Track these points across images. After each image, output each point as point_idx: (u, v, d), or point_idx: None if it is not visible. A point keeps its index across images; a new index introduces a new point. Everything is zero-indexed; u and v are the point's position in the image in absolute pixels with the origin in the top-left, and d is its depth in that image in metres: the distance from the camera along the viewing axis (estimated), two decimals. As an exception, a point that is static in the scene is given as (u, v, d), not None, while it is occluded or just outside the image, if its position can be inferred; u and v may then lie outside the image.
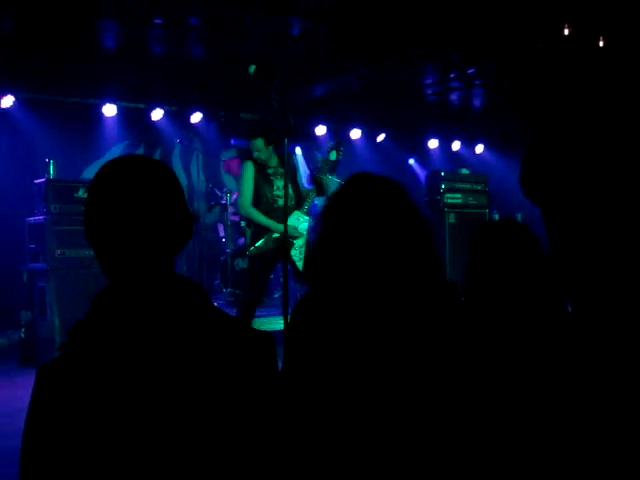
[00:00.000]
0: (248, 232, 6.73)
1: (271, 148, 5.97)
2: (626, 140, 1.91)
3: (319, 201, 6.25)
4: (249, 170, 6.03)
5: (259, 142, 5.95)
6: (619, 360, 1.82)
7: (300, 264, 5.88)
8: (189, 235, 1.65)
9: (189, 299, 1.56)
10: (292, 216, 5.96)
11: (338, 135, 9.90)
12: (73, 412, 1.46)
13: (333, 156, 6.34)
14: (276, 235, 5.82)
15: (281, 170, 5.85)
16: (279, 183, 5.99)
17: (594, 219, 1.90)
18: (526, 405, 2.06)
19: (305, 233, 6.07)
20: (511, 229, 2.44)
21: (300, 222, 6.04)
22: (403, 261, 1.97)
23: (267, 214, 5.93)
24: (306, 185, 6.40)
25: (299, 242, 5.94)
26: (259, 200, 5.99)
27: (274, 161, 6.01)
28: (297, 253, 5.93)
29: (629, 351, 1.80)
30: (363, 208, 2.00)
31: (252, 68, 4.98)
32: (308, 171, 6.22)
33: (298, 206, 6.08)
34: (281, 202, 5.88)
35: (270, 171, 6.02)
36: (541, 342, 2.13)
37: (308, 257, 2.06)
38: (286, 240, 5.42)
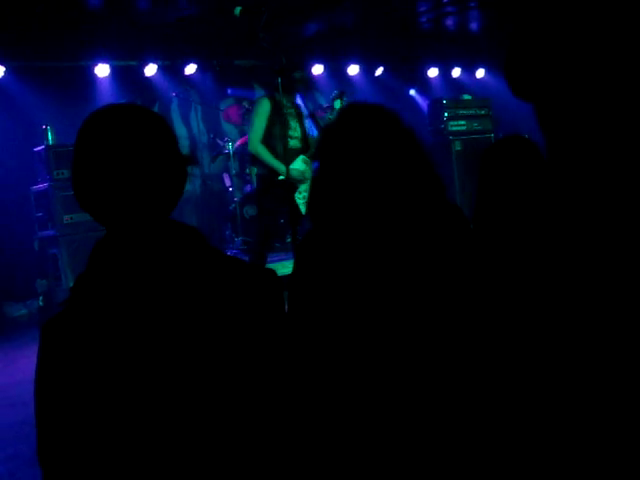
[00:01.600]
0: (254, 170, 6.66)
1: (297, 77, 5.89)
2: (610, 25, 1.83)
3: None
4: (264, 106, 5.84)
5: (298, 73, 5.90)
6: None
7: (303, 208, 5.84)
8: (184, 178, 1.61)
9: (187, 243, 1.53)
10: (298, 159, 5.89)
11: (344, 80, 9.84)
12: (79, 365, 1.44)
13: (337, 105, 6.29)
14: (281, 177, 5.75)
15: (293, 111, 5.83)
16: (293, 123, 5.92)
17: (584, 103, 1.83)
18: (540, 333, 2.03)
19: (310, 177, 6.00)
20: (518, 145, 2.40)
21: (306, 167, 5.97)
22: (404, 188, 1.93)
23: (280, 153, 5.75)
24: (309, 131, 6.34)
25: (304, 187, 5.88)
26: (273, 137, 5.83)
27: (289, 102, 5.91)
28: (301, 197, 5.87)
29: None
30: (358, 138, 1.96)
31: (237, 10, 4.89)
32: (309, 118, 6.12)
33: (303, 149, 6.01)
34: (292, 143, 5.85)
35: (288, 111, 5.90)
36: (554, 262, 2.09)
37: (309, 195, 2.04)
38: (290, 183, 5.37)
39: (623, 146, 1.77)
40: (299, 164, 5.88)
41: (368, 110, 2.05)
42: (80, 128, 1.56)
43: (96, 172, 1.50)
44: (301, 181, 5.83)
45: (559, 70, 1.85)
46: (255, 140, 5.84)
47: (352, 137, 1.97)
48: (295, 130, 5.89)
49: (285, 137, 5.60)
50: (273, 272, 1.66)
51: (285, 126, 5.73)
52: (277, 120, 5.79)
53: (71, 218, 6.46)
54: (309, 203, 2.10)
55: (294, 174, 5.70)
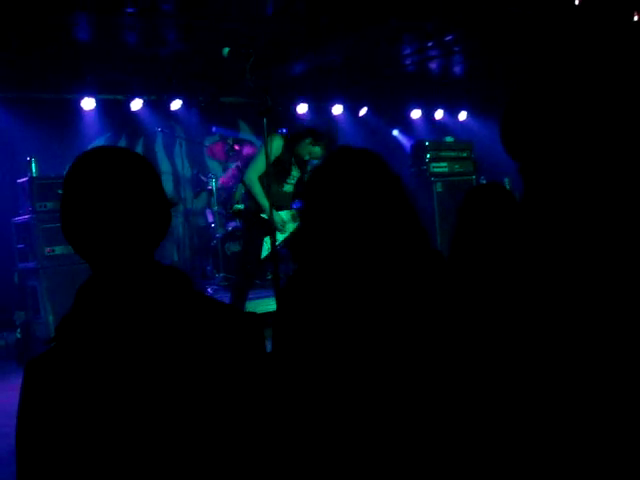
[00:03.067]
0: (237, 195, 6.67)
1: (317, 149, 5.89)
2: (605, 94, 1.89)
3: None
4: (277, 143, 5.82)
5: (317, 149, 5.89)
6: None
7: (265, 254, 5.91)
8: (168, 221, 1.65)
9: (172, 286, 1.56)
10: (288, 212, 5.96)
11: (328, 119, 9.91)
12: (62, 405, 1.46)
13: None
14: (264, 215, 5.77)
15: (301, 167, 5.90)
16: (295, 173, 5.99)
17: (572, 173, 1.88)
18: (518, 371, 2.05)
19: (288, 233, 6.00)
20: (496, 192, 2.44)
21: (291, 222, 6.01)
22: (388, 234, 1.96)
23: (272, 193, 5.78)
24: None
25: (281, 237, 5.90)
26: (270, 176, 5.83)
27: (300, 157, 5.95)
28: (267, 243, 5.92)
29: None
30: (344, 182, 1.99)
31: (226, 50, 4.93)
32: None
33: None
34: (286, 188, 5.95)
35: (293, 159, 5.94)
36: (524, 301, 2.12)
37: (295, 236, 2.09)
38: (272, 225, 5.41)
39: (597, 198, 1.82)
40: (285, 214, 5.93)
41: (357, 154, 2.07)
42: (69, 169, 1.59)
43: (83, 213, 1.53)
44: (279, 230, 5.81)
45: (552, 137, 1.90)
46: (254, 172, 5.82)
47: (339, 180, 2.00)
48: (292, 177, 5.96)
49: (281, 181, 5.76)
50: (254, 315, 1.69)
51: (287, 174, 5.90)
52: (283, 162, 5.86)
53: (52, 250, 6.44)
54: (292, 242, 2.13)
55: (276, 219, 5.72)
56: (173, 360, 1.49)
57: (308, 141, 5.85)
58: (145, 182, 1.59)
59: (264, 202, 5.71)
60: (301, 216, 2.12)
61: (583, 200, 1.85)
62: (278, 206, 5.80)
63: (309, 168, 6.03)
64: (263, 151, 5.71)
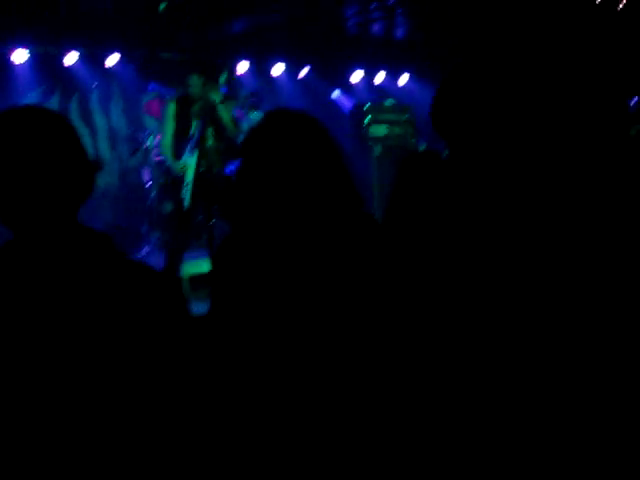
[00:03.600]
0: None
1: (204, 87, 5.92)
2: (536, 80, 1.95)
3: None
4: (170, 109, 6.09)
5: (194, 78, 5.93)
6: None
7: (188, 200, 5.90)
8: (90, 184, 1.65)
9: (89, 248, 1.57)
10: (186, 154, 6.00)
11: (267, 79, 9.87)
12: None
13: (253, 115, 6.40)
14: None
15: (206, 111, 5.85)
16: (196, 123, 6.04)
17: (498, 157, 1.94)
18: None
19: (192, 167, 6.03)
20: (431, 162, 2.44)
21: (189, 157, 6.05)
22: (320, 196, 1.98)
23: (186, 148, 6.00)
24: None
25: (186, 178, 5.94)
26: (178, 137, 6.06)
27: (200, 102, 5.94)
28: (184, 192, 5.94)
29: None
30: (279, 144, 1.99)
31: (162, 6, 4.80)
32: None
33: (218, 148, 6.08)
34: (208, 142, 5.94)
35: (194, 110, 5.97)
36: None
37: (227, 194, 2.10)
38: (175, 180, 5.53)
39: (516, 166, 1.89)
40: (185, 158, 5.97)
41: (294, 116, 2.09)
42: None
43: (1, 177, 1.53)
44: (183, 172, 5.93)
45: (477, 122, 1.98)
46: (163, 143, 6.20)
47: (275, 141, 2.00)
48: (197, 129, 6.00)
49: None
50: (176, 279, 1.71)
51: (188, 126, 6.01)
52: (181, 120, 6.06)
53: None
54: (228, 203, 2.12)
55: (176, 169, 5.95)
56: (82, 316, 1.50)
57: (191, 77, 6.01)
58: (62, 143, 1.59)
59: (172, 162, 6.05)
60: (236, 176, 2.10)
61: (499, 172, 1.90)
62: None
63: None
64: (164, 120, 6.19)
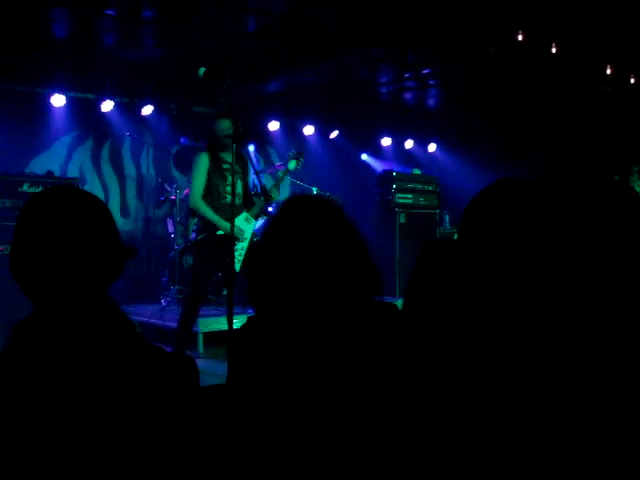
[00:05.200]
0: (192, 222, 6.65)
1: (226, 122, 5.85)
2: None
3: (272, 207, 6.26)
4: (203, 161, 5.93)
5: (226, 122, 5.83)
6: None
7: (238, 266, 5.86)
8: (120, 268, 1.68)
9: (109, 330, 1.58)
10: (240, 216, 5.91)
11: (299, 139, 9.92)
12: None
13: (292, 165, 6.32)
14: (220, 232, 5.78)
15: (236, 168, 5.82)
16: (230, 178, 5.91)
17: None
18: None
19: (249, 237, 6.03)
20: (453, 249, 2.45)
21: (247, 225, 6.00)
22: (341, 282, 1.99)
23: (216, 207, 5.88)
24: (253, 188, 6.38)
25: (242, 244, 5.90)
26: (210, 192, 5.92)
27: (229, 157, 5.92)
28: (237, 255, 5.89)
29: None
30: (300, 230, 2.03)
31: (202, 70, 4.85)
32: (254, 175, 6.13)
33: (245, 206, 6.04)
34: (229, 199, 5.83)
35: (225, 166, 5.92)
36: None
37: (250, 278, 2.13)
38: (231, 239, 5.39)
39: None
40: (240, 221, 5.90)
41: (313, 201, 2.13)
42: (24, 205, 1.63)
43: (32, 252, 1.57)
44: (239, 239, 5.85)
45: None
46: (196, 195, 5.91)
47: (295, 227, 2.03)
48: (235, 187, 5.92)
49: (222, 193, 5.68)
50: (190, 360, 1.71)
51: (223, 181, 5.84)
52: (215, 175, 5.90)
53: (5, 249, 6.32)
54: (249, 286, 2.14)
55: (224, 228, 5.77)
56: (99, 400, 1.51)
57: (218, 122, 5.92)
58: (96, 227, 1.62)
59: (217, 219, 5.82)
60: (258, 260, 2.13)
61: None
62: (228, 218, 5.81)
63: (256, 168, 6.02)
64: (197, 171, 5.93)
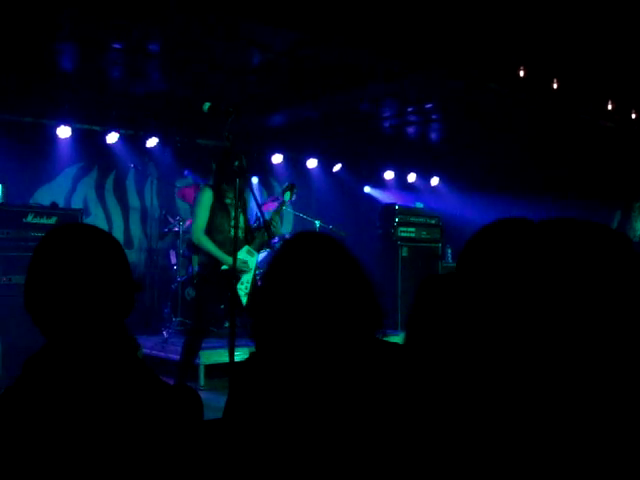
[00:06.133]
0: (195, 259, 6.66)
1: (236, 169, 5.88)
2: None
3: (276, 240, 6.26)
4: (206, 197, 5.95)
5: (231, 158, 5.76)
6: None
7: (245, 299, 5.87)
8: (131, 305, 1.71)
9: (118, 365, 1.61)
10: (243, 250, 5.93)
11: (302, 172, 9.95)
12: None
13: (287, 197, 6.36)
14: (224, 267, 5.80)
15: (239, 203, 5.85)
16: (233, 213, 5.93)
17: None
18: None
19: (253, 269, 6.05)
20: (453, 284, 2.45)
21: (250, 257, 6.02)
22: (345, 320, 2.00)
23: (220, 242, 5.90)
24: (251, 221, 6.40)
25: (246, 277, 5.91)
26: (214, 228, 5.94)
27: (232, 191, 5.94)
28: (243, 288, 5.90)
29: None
30: (304, 268, 2.04)
31: (206, 105, 4.89)
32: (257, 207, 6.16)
33: (247, 240, 6.06)
34: (232, 233, 5.83)
35: (228, 201, 5.96)
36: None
37: (254, 314, 2.13)
38: (234, 273, 5.39)
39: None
40: (243, 254, 5.92)
41: (317, 238, 2.14)
42: (40, 241, 1.66)
43: (46, 288, 1.59)
44: (243, 272, 5.86)
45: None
46: (198, 230, 5.92)
47: (299, 265, 2.05)
48: (238, 221, 5.94)
49: (226, 227, 5.69)
50: (193, 392, 1.73)
51: (227, 216, 5.83)
52: (218, 210, 5.91)
53: (10, 279, 6.35)
54: (253, 322, 2.14)
55: (237, 264, 5.73)
56: (105, 433, 1.52)
57: (223, 158, 5.95)
58: (110, 264, 1.65)
59: (220, 254, 5.83)
60: (262, 296, 2.14)
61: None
62: (230, 252, 5.83)
63: (259, 201, 6.01)
64: (199, 207, 5.93)
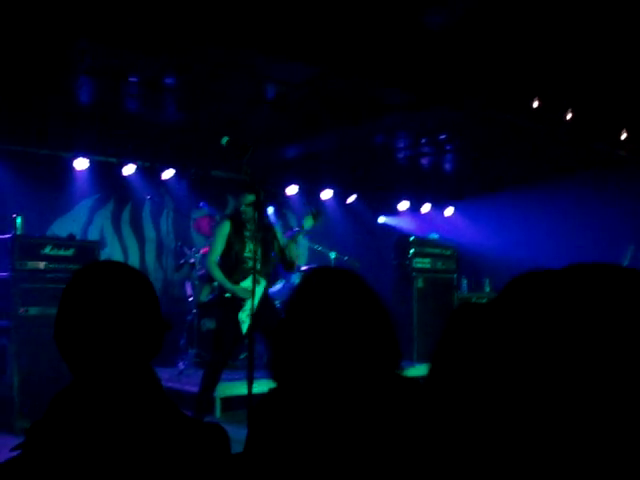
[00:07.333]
0: (207, 288, 6.66)
1: (250, 196, 5.94)
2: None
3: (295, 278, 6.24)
4: (225, 228, 6.02)
5: (251, 197, 5.91)
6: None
7: (245, 326, 5.87)
8: (160, 344, 1.69)
9: (145, 404, 1.59)
10: (247, 279, 5.92)
11: (316, 203, 9.98)
12: None
13: (308, 223, 6.25)
14: (227, 295, 5.87)
15: (258, 235, 5.87)
16: (251, 246, 5.97)
17: None
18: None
19: (258, 298, 6.02)
20: (480, 315, 2.44)
21: (256, 286, 6.02)
22: (365, 356, 1.98)
23: (235, 272, 5.94)
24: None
25: (249, 304, 5.88)
26: (230, 257, 6.00)
27: (251, 224, 5.98)
28: (244, 316, 5.90)
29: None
30: (324, 305, 2.03)
31: (225, 140, 4.89)
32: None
33: (262, 272, 6.06)
34: (250, 264, 5.85)
35: (247, 233, 6.01)
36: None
37: (274, 351, 2.12)
38: (241, 304, 5.49)
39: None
40: (247, 282, 5.89)
41: (335, 274, 2.14)
42: (71, 278, 1.65)
43: (78, 326, 1.59)
44: (248, 297, 5.83)
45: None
46: (212, 261, 6.03)
47: (318, 301, 2.04)
48: (251, 252, 5.97)
49: (241, 258, 5.76)
50: (220, 429, 1.71)
51: (243, 248, 5.90)
52: (235, 241, 5.98)
53: (26, 310, 6.37)
54: (272, 358, 2.14)
55: (240, 293, 5.87)
56: (130, 468, 1.50)
57: (242, 194, 5.99)
58: (142, 303, 1.64)
59: (225, 283, 5.93)
60: (281, 333, 2.12)
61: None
62: (238, 280, 5.91)
63: (258, 235, 6.02)
64: (217, 237, 6.02)
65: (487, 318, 2.44)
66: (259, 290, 6.03)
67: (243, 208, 5.96)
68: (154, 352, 1.67)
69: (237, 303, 5.83)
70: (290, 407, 1.97)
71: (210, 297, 8.11)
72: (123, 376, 1.60)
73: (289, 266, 6.06)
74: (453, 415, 2.20)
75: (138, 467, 1.51)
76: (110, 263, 1.72)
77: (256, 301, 5.94)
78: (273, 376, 2.11)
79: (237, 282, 5.88)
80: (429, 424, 2.06)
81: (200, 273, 8.13)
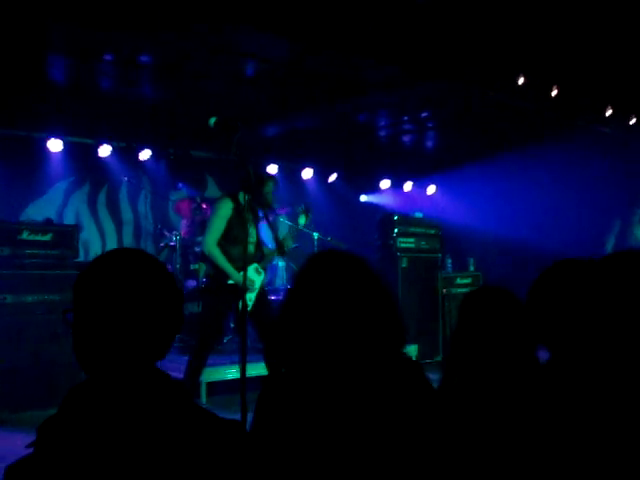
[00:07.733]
0: (203, 268, 6.47)
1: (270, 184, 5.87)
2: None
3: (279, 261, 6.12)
4: (226, 208, 5.73)
5: (271, 183, 5.85)
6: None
7: (251, 305, 5.76)
8: (174, 336, 1.62)
9: (162, 399, 1.53)
10: (251, 267, 5.79)
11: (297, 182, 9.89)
12: None
13: (302, 221, 6.25)
14: (231, 282, 5.66)
15: (250, 217, 5.75)
16: (252, 231, 5.83)
17: None
18: None
19: (258, 289, 5.92)
20: (498, 299, 2.39)
21: (257, 276, 5.90)
22: (371, 338, 1.97)
23: (235, 256, 5.70)
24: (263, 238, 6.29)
25: (250, 295, 5.78)
26: (233, 240, 5.72)
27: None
28: (253, 295, 5.80)
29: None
30: (328, 287, 2.00)
31: (212, 120, 4.65)
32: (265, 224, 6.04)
33: (256, 257, 5.92)
34: (250, 249, 5.72)
35: (249, 217, 5.79)
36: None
37: (279, 335, 2.08)
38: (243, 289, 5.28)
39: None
40: (251, 272, 5.78)
41: (339, 257, 2.10)
42: (85, 269, 1.57)
43: (94, 322, 1.51)
44: (249, 290, 5.71)
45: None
46: (211, 242, 5.72)
47: (322, 284, 2.01)
48: (251, 236, 5.80)
49: (245, 241, 5.54)
50: (239, 425, 1.64)
51: (245, 230, 5.65)
52: (236, 223, 5.71)
53: (4, 298, 6.17)
54: (275, 341, 2.11)
55: (243, 282, 5.62)
56: (152, 469, 1.45)
57: (264, 182, 5.83)
58: (162, 297, 1.56)
59: (230, 269, 5.66)
60: (285, 315, 2.08)
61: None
62: (240, 267, 5.66)
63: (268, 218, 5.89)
64: (216, 217, 5.73)
65: (497, 303, 2.37)
66: (259, 280, 5.92)
67: (265, 192, 5.78)
68: (169, 348, 1.60)
69: (239, 289, 5.60)
70: (297, 389, 1.94)
71: (204, 281, 7.95)
72: (140, 372, 1.53)
73: (281, 251, 5.90)
74: (471, 395, 2.14)
75: (155, 466, 1.45)
76: (129, 253, 1.60)
77: (255, 292, 5.85)
78: (280, 360, 2.07)
79: (238, 269, 5.58)
80: (442, 403, 2.02)
81: (197, 250, 7.94)
